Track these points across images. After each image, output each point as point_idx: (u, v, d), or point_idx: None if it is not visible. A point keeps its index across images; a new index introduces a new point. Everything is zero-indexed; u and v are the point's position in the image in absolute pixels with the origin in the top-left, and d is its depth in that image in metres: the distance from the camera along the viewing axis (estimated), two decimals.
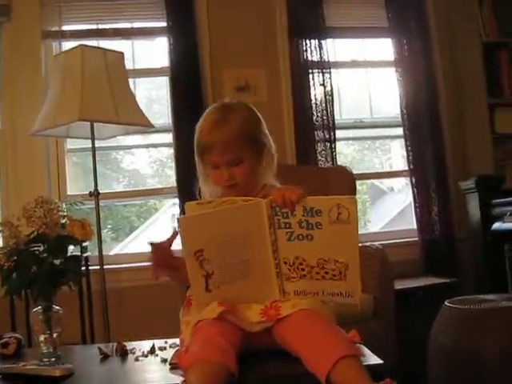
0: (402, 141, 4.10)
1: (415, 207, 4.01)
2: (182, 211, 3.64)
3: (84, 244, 1.83)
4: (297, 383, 1.34)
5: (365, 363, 1.45)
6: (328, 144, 3.87)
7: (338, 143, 3.95)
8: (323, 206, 1.45)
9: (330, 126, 3.89)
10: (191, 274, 1.53)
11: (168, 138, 3.96)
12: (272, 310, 1.50)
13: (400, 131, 4.11)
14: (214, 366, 1.34)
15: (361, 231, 4.43)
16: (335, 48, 4.11)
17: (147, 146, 4.35)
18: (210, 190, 1.82)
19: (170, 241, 1.64)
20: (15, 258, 1.67)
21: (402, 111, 4.05)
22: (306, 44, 3.91)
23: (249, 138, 1.71)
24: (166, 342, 1.90)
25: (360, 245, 3.12)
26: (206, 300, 1.53)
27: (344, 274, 1.49)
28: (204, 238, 1.50)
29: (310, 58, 3.91)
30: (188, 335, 1.52)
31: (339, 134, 3.99)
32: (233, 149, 1.67)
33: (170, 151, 4.00)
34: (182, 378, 1.41)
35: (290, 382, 1.36)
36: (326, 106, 3.90)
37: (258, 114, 1.80)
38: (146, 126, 3.28)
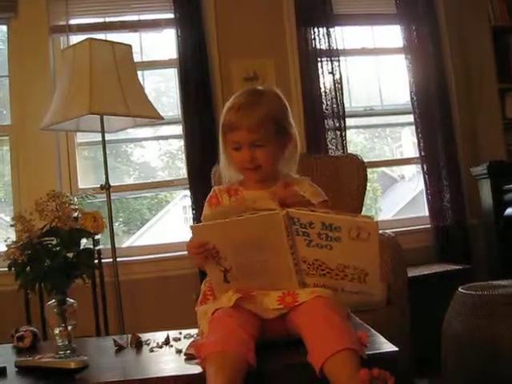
0: (413, 128, 4.08)
1: (427, 194, 3.99)
2: (194, 203, 3.65)
3: (96, 237, 1.84)
4: (313, 371, 1.34)
5: (380, 350, 1.46)
6: (338, 132, 3.86)
7: (348, 131, 3.93)
8: (342, 225, 1.43)
9: (340, 115, 3.88)
10: (208, 270, 1.55)
11: (178, 129, 3.97)
12: (289, 297, 1.50)
13: (410, 118, 4.09)
14: (232, 357, 1.34)
15: None
16: (343, 35, 4.08)
17: (157, 139, 4.36)
18: (230, 174, 1.84)
19: None
20: (28, 251, 1.68)
21: (412, 98, 4.03)
22: (314, 32, 3.90)
23: (275, 123, 1.73)
24: (180, 333, 1.90)
25: None
26: (226, 289, 1.54)
27: (364, 278, 1.48)
28: (218, 242, 1.50)
29: (318, 47, 3.90)
30: (206, 325, 1.52)
31: (349, 122, 3.98)
32: (258, 130, 1.69)
33: (180, 143, 4.01)
34: (198, 368, 1.42)
35: (306, 371, 1.35)
36: (336, 94, 3.89)
37: (286, 104, 1.83)
38: (155, 118, 3.28)
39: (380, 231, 3.25)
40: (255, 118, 1.68)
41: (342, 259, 1.47)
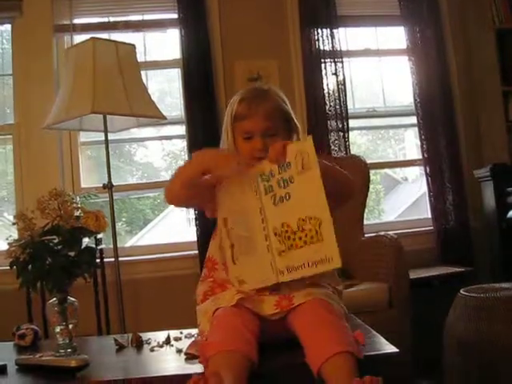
0: (416, 130, 4.07)
1: (430, 196, 3.99)
2: None
3: (99, 236, 1.84)
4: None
5: (380, 352, 1.45)
6: (341, 134, 3.86)
7: (351, 133, 3.93)
8: (291, 158, 1.52)
9: (343, 116, 3.88)
10: (224, 244, 1.62)
11: (181, 130, 3.96)
12: (285, 301, 1.51)
13: (414, 120, 4.08)
14: (238, 355, 1.34)
15: (375, 221, 4.44)
16: (347, 37, 4.09)
17: (160, 139, 4.36)
18: None
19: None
20: (30, 250, 1.68)
21: (415, 100, 4.02)
22: (318, 33, 3.90)
23: (284, 116, 1.75)
24: (181, 333, 1.90)
25: (375, 234, 3.11)
26: (235, 273, 1.59)
27: (320, 232, 1.48)
28: (226, 207, 1.63)
29: (322, 48, 3.90)
30: (207, 324, 1.52)
31: (352, 123, 3.98)
32: (272, 117, 1.70)
33: (183, 143, 4.01)
34: (198, 367, 1.42)
35: (305, 371, 1.35)
36: (339, 95, 3.89)
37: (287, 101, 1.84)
38: (158, 118, 3.28)
39: (382, 233, 3.25)
40: (269, 106, 1.70)
41: (300, 210, 1.51)
